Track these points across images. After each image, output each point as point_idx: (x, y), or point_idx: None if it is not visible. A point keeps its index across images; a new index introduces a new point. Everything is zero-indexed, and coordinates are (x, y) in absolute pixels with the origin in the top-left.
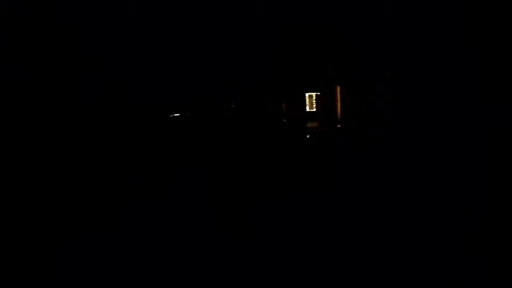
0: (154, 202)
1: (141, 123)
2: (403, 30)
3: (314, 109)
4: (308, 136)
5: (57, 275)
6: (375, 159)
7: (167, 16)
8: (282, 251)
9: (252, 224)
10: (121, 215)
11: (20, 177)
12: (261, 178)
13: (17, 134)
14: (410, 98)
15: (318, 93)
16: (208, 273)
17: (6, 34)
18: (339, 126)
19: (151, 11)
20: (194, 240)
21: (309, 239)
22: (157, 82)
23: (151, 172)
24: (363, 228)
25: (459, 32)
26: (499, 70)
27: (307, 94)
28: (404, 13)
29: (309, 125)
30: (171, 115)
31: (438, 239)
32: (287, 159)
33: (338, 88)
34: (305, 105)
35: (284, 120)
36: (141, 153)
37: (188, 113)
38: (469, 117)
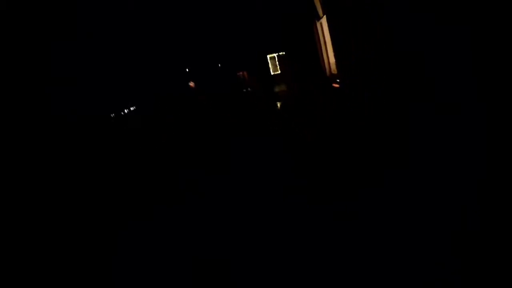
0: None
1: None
2: (403, 30)
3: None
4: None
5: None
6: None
7: (167, 16)
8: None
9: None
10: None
11: (29, 177)
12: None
13: (18, 134)
14: (410, 98)
15: (283, 53)
16: (208, 273)
17: (6, 34)
18: (336, 85)
19: (151, 11)
20: (194, 240)
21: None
22: (157, 82)
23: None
24: (359, 227)
25: (459, 32)
26: (499, 70)
27: (268, 56)
28: (404, 12)
29: (277, 89)
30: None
31: (437, 239)
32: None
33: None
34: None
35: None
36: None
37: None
38: (469, 117)
